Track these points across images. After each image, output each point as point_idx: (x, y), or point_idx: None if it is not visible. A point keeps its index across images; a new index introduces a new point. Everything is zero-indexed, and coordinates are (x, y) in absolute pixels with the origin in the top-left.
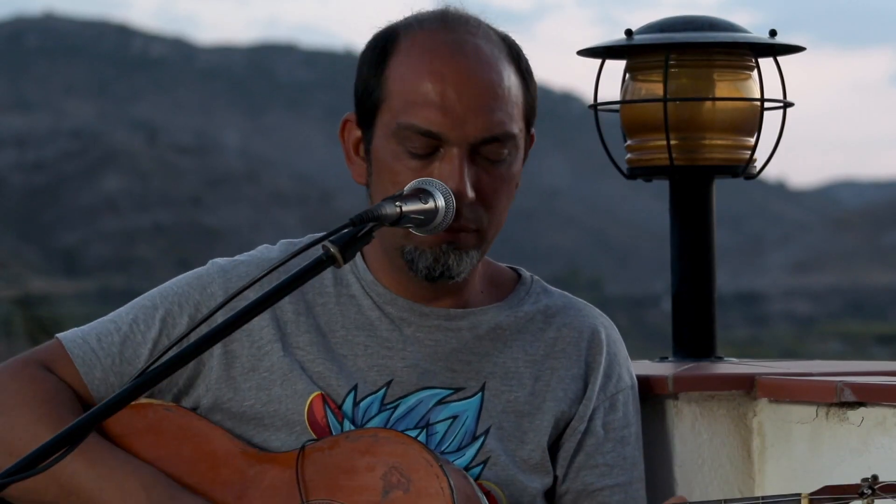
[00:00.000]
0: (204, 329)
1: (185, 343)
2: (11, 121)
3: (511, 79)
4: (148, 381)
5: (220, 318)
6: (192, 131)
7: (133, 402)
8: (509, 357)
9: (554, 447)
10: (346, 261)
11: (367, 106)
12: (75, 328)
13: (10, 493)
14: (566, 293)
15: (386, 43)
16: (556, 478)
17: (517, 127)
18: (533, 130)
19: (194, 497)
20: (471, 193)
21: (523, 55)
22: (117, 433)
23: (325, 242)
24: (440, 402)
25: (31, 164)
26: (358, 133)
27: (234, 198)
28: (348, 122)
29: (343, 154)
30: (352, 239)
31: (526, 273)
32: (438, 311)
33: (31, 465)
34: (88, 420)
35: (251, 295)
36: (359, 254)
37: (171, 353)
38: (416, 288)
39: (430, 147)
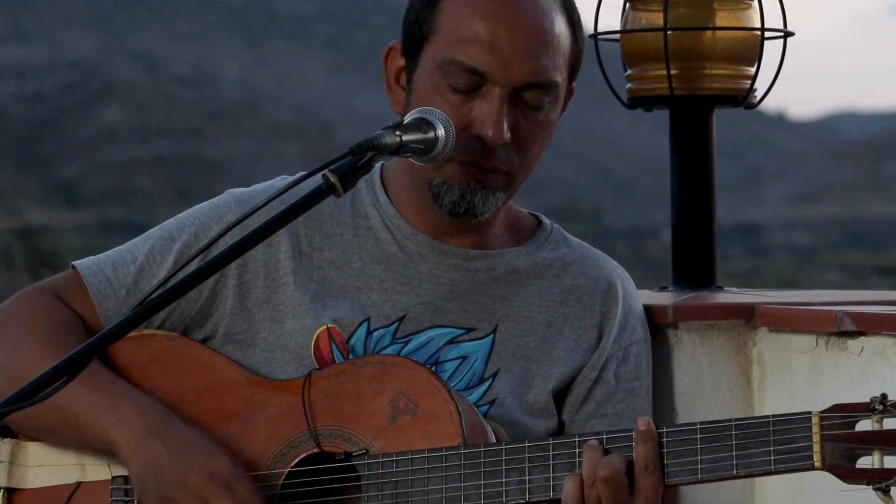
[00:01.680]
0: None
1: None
2: (10, 52)
3: (561, 28)
4: (147, 310)
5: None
6: (192, 63)
7: (137, 333)
8: (523, 301)
9: (562, 393)
10: (346, 189)
11: (415, 37)
12: (92, 256)
13: (10, 420)
14: (585, 243)
15: None
16: (561, 423)
17: (560, 77)
18: (574, 84)
19: (189, 426)
20: (507, 135)
21: (576, 7)
22: (121, 363)
23: (326, 171)
24: (451, 342)
25: (30, 96)
26: (401, 62)
27: (233, 130)
28: (393, 49)
29: (384, 81)
30: (352, 168)
31: (546, 220)
32: (457, 249)
33: (31, 394)
34: (89, 349)
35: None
36: (381, 186)
37: (170, 284)
38: (437, 224)
39: (472, 84)
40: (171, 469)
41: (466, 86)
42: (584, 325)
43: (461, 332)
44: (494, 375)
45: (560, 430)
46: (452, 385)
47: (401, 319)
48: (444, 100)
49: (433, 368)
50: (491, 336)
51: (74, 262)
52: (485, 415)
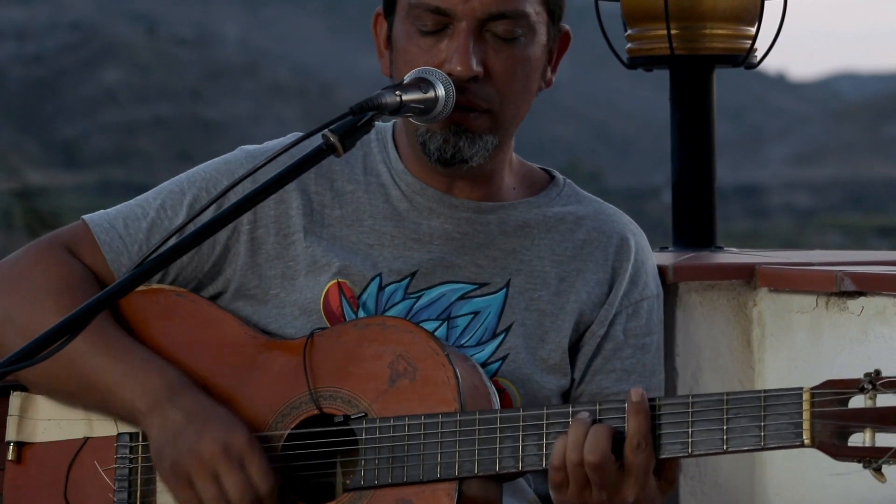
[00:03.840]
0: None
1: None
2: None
3: None
4: (156, 265)
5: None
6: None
7: (146, 288)
8: (535, 256)
9: (574, 350)
10: (346, 149)
11: None
12: (102, 210)
13: (32, 381)
14: (598, 199)
15: None
16: (573, 381)
17: (531, 8)
18: (565, 27)
19: (210, 398)
20: (476, 67)
21: None
22: (128, 318)
23: (325, 131)
24: (463, 297)
25: (30, 57)
26: (386, 25)
27: (234, 91)
28: (378, 15)
29: (376, 48)
30: (352, 128)
31: (559, 176)
32: (468, 203)
33: (37, 350)
34: (97, 303)
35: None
36: (392, 143)
37: (172, 241)
38: (444, 177)
39: (439, 24)
40: (187, 435)
41: (433, 26)
42: (595, 278)
43: (473, 287)
44: (507, 330)
45: (570, 388)
46: (465, 340)
47: (413, 275)
48: (416, 45)
49: (445, 323)
50: (504, 290)
51: (85, 217)
52: (496, 372)
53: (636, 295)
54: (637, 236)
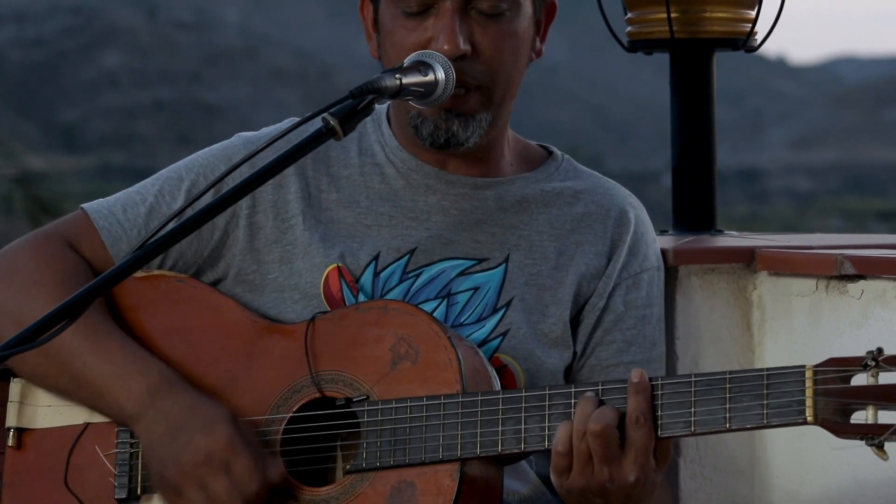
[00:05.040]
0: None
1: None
2: None
3: None
4: (152, 251)
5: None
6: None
7: (147, 273)
8: (534, 230)
9: (574, 323)
10: (345, 133)
11: None
12: (100, 199)
13: (22, 373)
14: (597, 174)
15: None
16: (575, 354)
17: None
18: None
19: (191, 394)
20: (463, 45)
21: None
22: (130, 303)
23: (325, 115)
24: (462, 273)
25: (30, 40)
26: (371, 7)
27: (233, 74)
28: (364, 0)
29: (364, 32)
30: (351, 111)
31: (557, 151)
32: (465, 178)
33: (32, 337)
34: (93, 289)
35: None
36: (386, 122)
37: (171, 226)
38: (439, 155)
39: (423, 5)
40: (170, 447)
41: (418, 7)
42: (594, 250)
43: (473, 262)
44: (508, 305)
45: (573, 362)
46: (465, 317)
47: (411, 252)
48: (401, 27)
49: (445, 300)
50: (503, 265)
51: (83, 205)
52: (497, 348)
53: (636, 266)
54: (636, 209)
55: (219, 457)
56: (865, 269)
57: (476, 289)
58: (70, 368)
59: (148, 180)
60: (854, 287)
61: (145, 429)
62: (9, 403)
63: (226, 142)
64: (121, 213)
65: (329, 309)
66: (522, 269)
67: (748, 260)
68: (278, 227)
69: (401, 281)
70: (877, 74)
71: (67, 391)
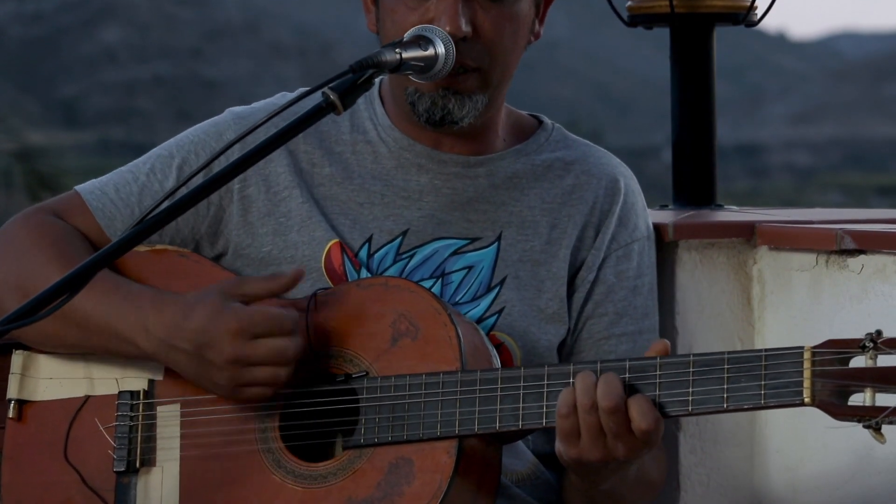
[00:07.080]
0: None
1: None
2: None
3: None
4: (149, 227)
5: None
6: None
7: (150, 248)
8: (525, 206)
9: (567, 296)
10: (345, 107)
11: None
12: (93, 180)
13: (28, 338)
14: (588, 142)
15: None
16: (568, 329)
17: None
18: None
19: (180, 302)
20: (465, 27)
21: None
22: (132, 278)
23: (325, 89)
24: (455, 253)
25: (29, 16)
26: None
27: (233, 50)
28: None
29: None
30: (352, 86)
31: (548, 120)
32: (457, 157)
33: (36, 309)
34: (93, 263)
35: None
36: (378, 100)
37: (167, 203)
38: (432, 133)
39: None
40: (201, 363)
41: None
42: (584, 221)
43: (465, 242)
44: (502, 283)
45: (566, 339)
46: (460, 296)
47: (404, 234)
48: (403, 5)
49: (439, 280)
50: (496, 244)
51: (76, 187)
52: (493, 326)
53: (626, 237)
54: (627, 178)
55: (243, 332)
56: (865, 244)
57: (470, 268)
58: (72, 320)
59: (140, 159)
60: (854, 262)
61: (174, 363)
62: (10, 375)
63: (216, 118)
64: (113, 192)
65: (330, 283)
66: (515, 245)
67: (748, 235)
68: (270, 200)
69: (394, 262)
70: (877, 49)
71: (77, 346)
